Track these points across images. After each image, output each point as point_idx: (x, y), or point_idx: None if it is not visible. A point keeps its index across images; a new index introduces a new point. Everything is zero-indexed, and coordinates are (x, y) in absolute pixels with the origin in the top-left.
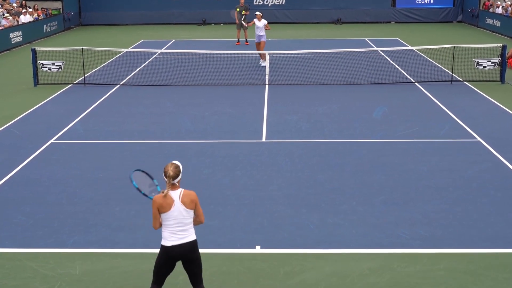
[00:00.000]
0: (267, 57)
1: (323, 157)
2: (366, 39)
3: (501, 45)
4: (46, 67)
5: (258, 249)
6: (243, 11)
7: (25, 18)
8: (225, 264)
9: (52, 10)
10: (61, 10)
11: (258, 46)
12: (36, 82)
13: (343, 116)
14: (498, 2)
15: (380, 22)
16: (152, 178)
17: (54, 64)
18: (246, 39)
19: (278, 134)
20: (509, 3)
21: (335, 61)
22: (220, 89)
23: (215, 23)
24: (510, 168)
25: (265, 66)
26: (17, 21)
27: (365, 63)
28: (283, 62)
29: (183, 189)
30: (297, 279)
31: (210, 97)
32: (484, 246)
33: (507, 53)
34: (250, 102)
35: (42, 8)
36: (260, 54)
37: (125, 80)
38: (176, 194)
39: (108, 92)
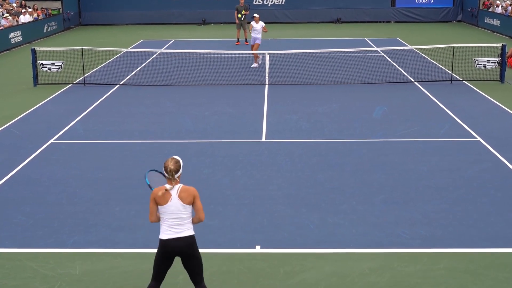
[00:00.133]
0: (267, 57)
1: (323, 157)
2: (366, 38)
3: (500, 44)
4: (46, 67)
5: (258, 249)
6: (243, 11)
7: (24, 18)
8: (225, 263)
9: (51, 10)
10: (60, 10)
11: (253, 47)
12: (35, 82)
13: (343, 116)
14: (498, 2)
15: (380, 22)
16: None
17: (53, 64)
18: (246, 39)
19: (278, 134)
20: (508, 2)
21: (335, 60)
22: (220, 89)
23: (215, 23)
24: (510, 168)
25: (257, 67)
26: (17, 21)
27: (365, 63)
28: (283, 62)
29: (182, 185)
30: (297, 279)
31: (210, 97)
32: (484, 246)
33: (507, 52)
34: (250, 102)
35: (41, 8)
36: (248, 55)
37: (125, 80)
38: (174, 189)
39: (108, 92)
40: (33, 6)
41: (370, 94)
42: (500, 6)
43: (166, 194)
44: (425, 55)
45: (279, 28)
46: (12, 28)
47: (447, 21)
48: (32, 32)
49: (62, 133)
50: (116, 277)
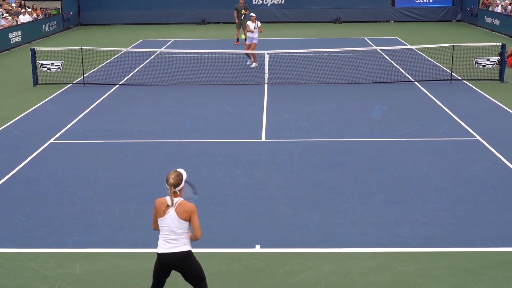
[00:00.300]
0: (266, 56)
1: (322, 156)
2: (365, 38)
3: (500, 44)
4: (46, 67)
5: (258, 249)
6: (243, 10)
7: (24, 18)
8: (225, 263)
9: (51, 10)
10: (60, 10)
11: (248, 47)
12: (35, 82)
13: (343, 115)
14: (497, 1)
15: (379, 21)
16: (194, 193)
17: (53, 64)
18: (245, 39)
19: (277, 134)
20: (508, 1)
21: (335, 60)
22: (219, 88)
23: (214, 23)
24: (509, 167)
25: (257, 66)
26: (16, 21)
27: (365, 62)
28: (283, 62)
29: (182, 199)
30: (297, 278)
31: (209, 97)
32: (484, 245)
33: (506, 52)
34: (250, 101)
35: (41, 8)
36: (250, 55)
37: (124, 80)
38: (175, 202)
39: (107, 92)
40: (33, 6)
41: (369, 94)
42: (500, 5)
43: (161, 206)
44: (424, 54)
45: (279, 28)
46: (11, 28)
47: (446, 21)
48: (31, 32)
49: (62, 133)
50: (116, 277)
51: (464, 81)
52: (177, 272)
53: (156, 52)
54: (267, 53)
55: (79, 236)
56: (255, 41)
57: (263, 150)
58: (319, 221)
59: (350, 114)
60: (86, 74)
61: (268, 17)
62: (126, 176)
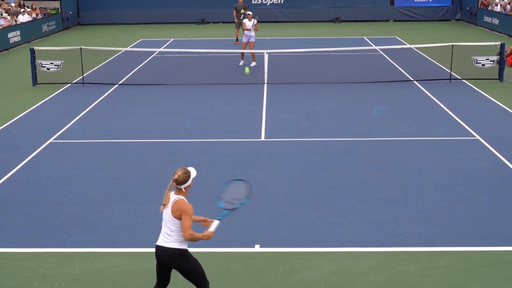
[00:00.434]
0: (266, 56)
1: (322, 156)
2: (364, 37)
3: (499, 43)
4: (45, 66)
5: (257, 248)
6: (242, 10)
7: (23, 18)
8: (225, 262)
9: (50, 9)
10: (59, 9)
11: (245, 45)
12: (34, 81)
13: (342, 115)
14: (497, 0)
15: (379, 21)
16: (246, 197)
17: (52, 63)
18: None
19: (277, 133)
20: (507, 1)
21: (334, 59)
22: (219, 88)
23: (213, 22)
24: (509, 166)
25: (255, 66)
26: (16, 20)
27: (364, 62)
28: (282, 61)
29: (181, 197)
30: (296, 278)
31: (209, 96)
32: (483, 244)
33: (506, 51)
34: (249, 101)
35: (40, 7)
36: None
37: (124, 80)
38: (173, 198)
39: (107, 92)
40: (32, 5)
41: (369, 93)
42: (499, 4)
43: (166, 200)
44: (424, 53)
45: (278, 27)
46: (10, 28)
47: (446, 20)
48: (30, 31)
49: (61, 133)
50: (115, 276)
51: (463, 80)
52: (176, 272)
53: (156, 51)
54: (267, 53)
55: (78, 236)
56: (252, 40)
57: (262, 149)
58: (318, 220)
59: (349, 113)
60: (86, 74)
61: (267, 17)
62: (125, 175)
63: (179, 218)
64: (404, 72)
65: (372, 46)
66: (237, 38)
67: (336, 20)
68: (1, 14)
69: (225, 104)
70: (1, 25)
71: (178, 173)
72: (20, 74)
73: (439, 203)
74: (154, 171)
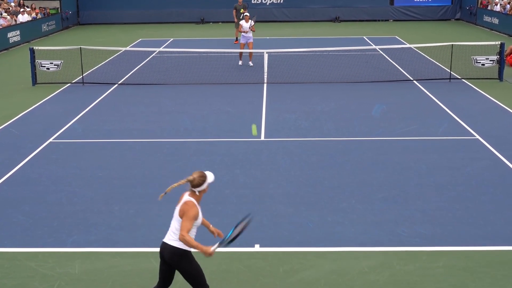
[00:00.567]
0: (265, 56)
1: (322, 155)
2: (364, 37)
3: (499, 42)
4: (45, 66)
5: (257, 248)
6: (242, 10)
7: (23, 18)
8: (225, 262)
9: (50, 9)
10: (59, 9)
11: (243, 46)
12: (34, 81)
13: (342, 114)
14: (496, 0)
15: (378, 20)
16: (234, 232)
17: (52, 63)
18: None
19: (277, 133)
20: (506, 0)
21: (334, 59)
22: (218, 87)
23: (213, 22)
24: (508, 166)
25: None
26: (15, 20)
27: (364, 61)
28: (282, 61)
29: (192, 200)
30: (296, 277)
31: (208, 96)
32: (483, 244)
33: (505, 50)
34: (249, 100)
35: (40, 7)
36: (243, 54)
37: (123, 79)
38: (185, 198)
39: (106, 91)
40: (31, 5)
41: (368, 93)
42: (499, 4)
43: (180, 197)
44: (423, 53)
45: (278, 27)
46: (10, 28)
47: (445, 20)
48: (30, 31)
49: (61, 133)
50: (115, 276)
51: (463, 80)
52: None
53: (155, 51)
54: (266, 52)
55: (78, 236)
56: (251, 40)
57: (262, 149)
58: (318, 220)
59: (349, 113)
60: (85, 74)
61: (267, 16)
62: (125, 175)
63: (181, 218)
64: (403, 71)
65: (372, 45)
66: (236, 38)
67: (336, 19)
68: (1, 14)
69: (225, 104)
70: (1, 25)
71: (194, 175)
72: (20, 74)
73: (439, 203)
74: (154, 171)
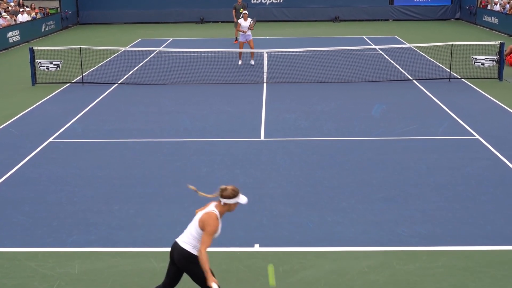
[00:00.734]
0: (265, 55)
1: (322, 155)
2: (364, 37)
3: (499, 42)
4: (44, 66)
5: (257, 247)
6: (241, 9)
7: (22, 17)
8: (224, 262)
9: (49, 9)
10: (58, 9)
11: (243, 45)
12: (34, 81)
13: (342, 114)
14: (496, 0)
15: (378, 20)
16: None
17: (52, 63)
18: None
19: (276, 132)
20: (506, 0)
21: (333, 59)
22: (218, 87)
23: (213, 22)
24: (508, 166)
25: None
26: (15, 20)
27: (363, 61)
28: (281, 60)
29: (215, 212)
30: (296, 277)
31: (208, 96)
32: (483, 244)
33: (505, 50)
34: (249, 100)
35: (39, 7)
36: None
37: (123, 79)
38: (209, 208)
39: (106, 91)
40: (31, 5)
41: (368, 92)
42: (498, 3)
43: (207, 205)
44: (423, 53)
45: (278, 27)
46: (10, 28)
47: (445, 19)
48: (30, 31)
49: (61, 132)
50: (115, 276)
51: (463, 79)
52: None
53: (155, 51)
54: (266, 52)
55: (78, 235)
56: (250, 38)
57: (262, 149)
58: (318, 220)
59: (349, 113)
60: (85, 73)
61: (267, 16)
62: (125, 175)
63: (202, 229)
64: (403, 71)
65: (371, 45)
66: (236, 38)
67: (336, 19)
68: (0, 14)
69: (225, 104)
70: (1, 25)
71: (229, 187)
72: (20, 74)
73: (439, 202)
74: (154, 170)
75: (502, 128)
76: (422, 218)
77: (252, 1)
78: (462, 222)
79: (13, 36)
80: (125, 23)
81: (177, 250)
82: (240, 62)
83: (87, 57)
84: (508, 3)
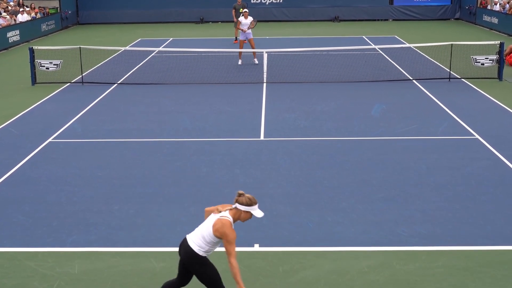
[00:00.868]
0: (265, 55)
1: (322, 155)
2: (364, 36)
3: (498, 42)
4: (44, 66)
5: (257, 247)
6: (241, 9)
7: (22, 17)
8: (225, 262)
9: (49, 9)
10: (58, 9)
11: (243, 44)
12: (34, 81)
13: (342, 114)
14: (496, 0)
15: (378, 20)
16: None
17: (52, 63)
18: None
19: (276, 132)
20: (506, 0)
21: (333, 59)
22: (218, 87)
23: (213, 22)
24: (508, 165)
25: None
26: (15, 20)
27: (363, 61)
28: (281, 60)
29: (229, 219)
30: (296, 277)
31: (208, 95)
32: (483, 243)
33: (505, 50)
34: (248, 100)
35: (39, 7)
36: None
37: (123, 79)
38: (223, 213)
39: (106, 91)
40: (31, 5)
41: (368, 92)
42: (498, 3)
43: (221, 208)
44: (423, 53)
45: (277, 27)
46: (9, 27)
47: (445, 19)
48: (30, 31)
49: (61, 132)
50: (115, 276)
51: (462, 79)
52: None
53: (155, 51)
54: (266, 52)
55: (78, 235)
56: (250, 37)
57: (262, 149)
58: (318, 220)
59: (349, 112)
60: (85, 73)
61: (266, 16)
62: (125, 175)
63: (218, 238)
64: (403, 71)
65: (371, 45)
66: (236, 37)
67: (335, 19)
68: (0, 14)
69: (225, 104)
70: (0, 25)
71: (246, 194)
72: (19, 74)
73: (438, 202)
74: (154, 170)
75: (502, 128)
76: (422, 218)
77: (252, 1)
78: (462, 222)
79: (13, 36)
80: (125, 23)
81: (184, 246)
82: (240, 62)
83: (87, 57)
84: (508, 3)
